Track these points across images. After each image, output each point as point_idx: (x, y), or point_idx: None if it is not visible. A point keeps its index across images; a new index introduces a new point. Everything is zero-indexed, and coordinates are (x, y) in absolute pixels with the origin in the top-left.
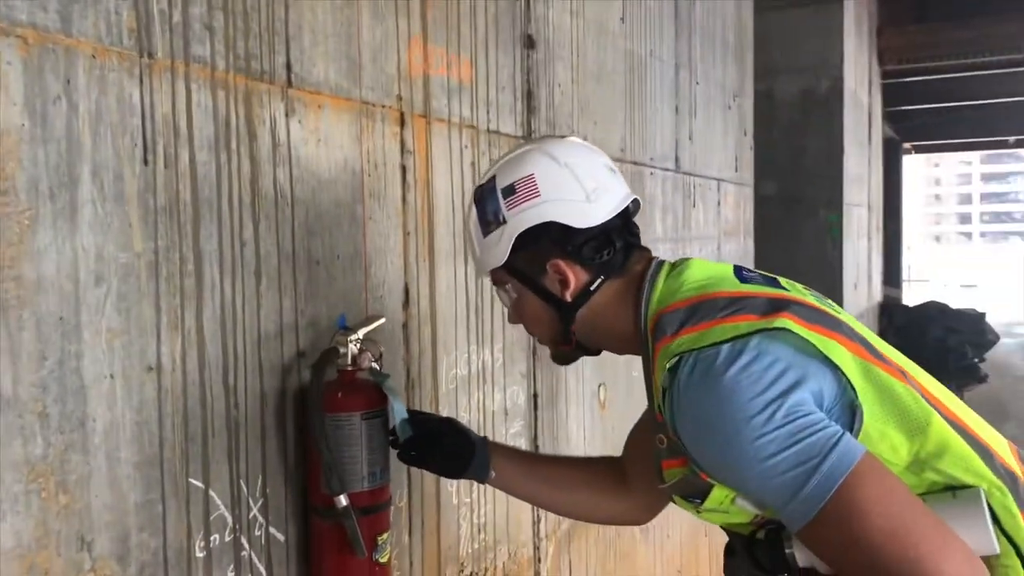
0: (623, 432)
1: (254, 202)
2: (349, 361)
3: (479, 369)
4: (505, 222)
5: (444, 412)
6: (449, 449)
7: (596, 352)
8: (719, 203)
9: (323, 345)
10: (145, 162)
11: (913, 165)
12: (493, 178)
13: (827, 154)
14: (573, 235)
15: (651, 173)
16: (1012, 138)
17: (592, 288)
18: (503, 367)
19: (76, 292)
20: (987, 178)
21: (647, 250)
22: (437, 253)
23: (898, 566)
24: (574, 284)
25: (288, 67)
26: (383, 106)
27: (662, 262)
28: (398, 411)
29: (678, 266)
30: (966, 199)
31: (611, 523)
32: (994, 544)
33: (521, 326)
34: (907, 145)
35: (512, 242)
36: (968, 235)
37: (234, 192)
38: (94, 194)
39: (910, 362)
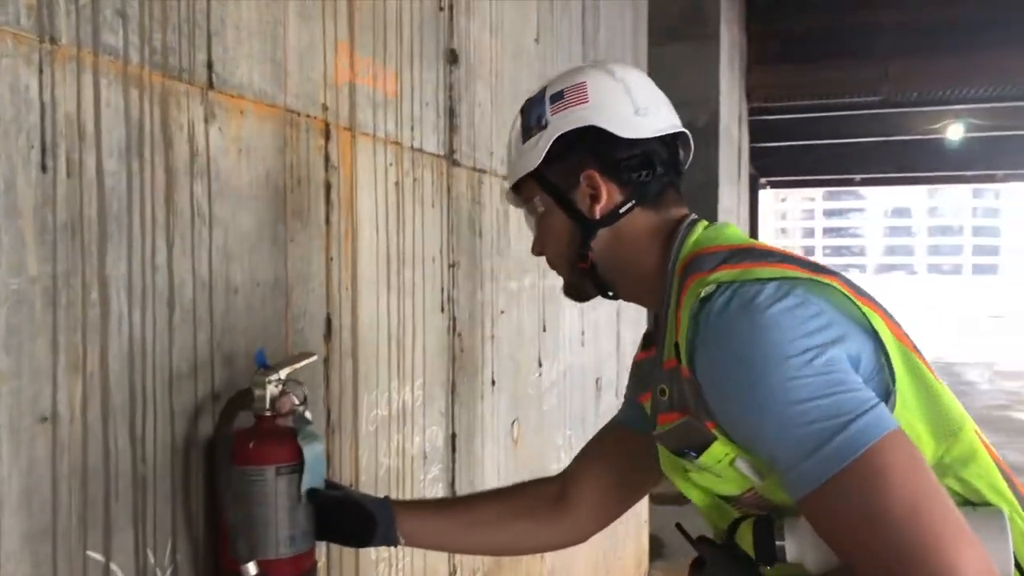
0: (535, 470)
1: (168, 220)
2: (267, 405)
3: (399, 409)
4: (546, 126)
5: (364, 457)
6: (348, 525)
7: (608, 290)
8: None
9: (240, 385)
10: (44, 169)
11: (763, 198)
12: (544, 89)
13: (704, 186)
14: (614, 146)
15: None
16: (859, 176)
17: (621, 211)
18: (423, 405)
19: None
20: (828, 213)
21: (686, 204)
22: (360, 280)
23: (911, 551)
24: (605, 200)
25: (209, 66)
26: (308, 116)
27: (700, 218)
28: (310, 477)
29: (717, 225)
30: (810, 232)
31: (550, 549)
32: (1011, 568)
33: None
34: (763, 180)
35: (549, 144)
36: None
37: (147, 208)
38: None
39: None
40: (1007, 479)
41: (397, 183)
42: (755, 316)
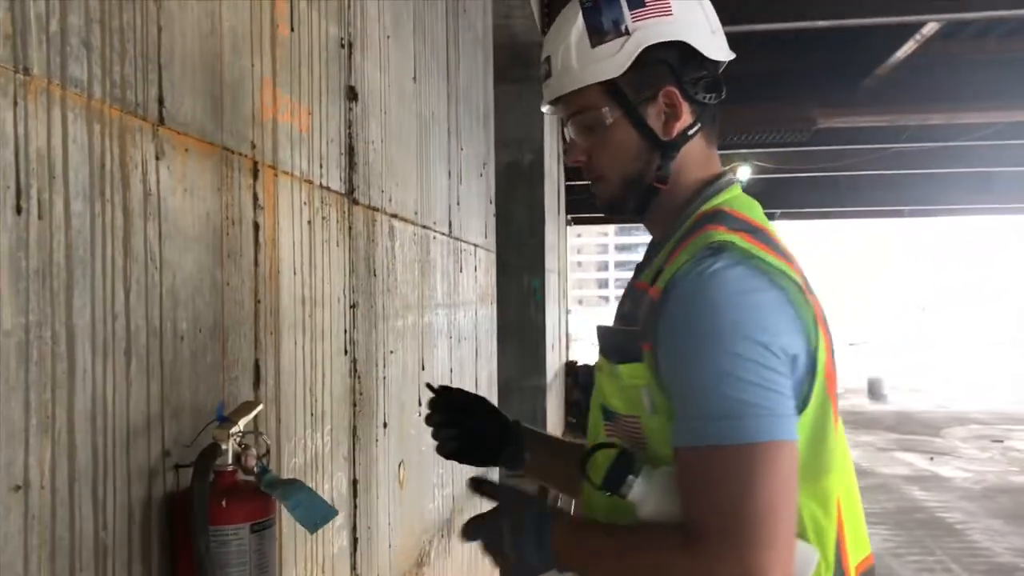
0: (416, 510)
1: (126, 264)
2: (230, 460)
3: (312, 455)
4: (629, 33)
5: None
6: (481, 431)
7: (644, 211)
8: (476, 268)
9: (185, 440)
10: (18, 210)
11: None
12: None
13: (530, 223)
14: (698, 65)
15: (434, 237)
16: None
17: (690, 133)
18: (331, 451)
19: None
20: (620, 248)
21: None
22: (282, 323)
23: (742, 533)
24: (682, 120)
25: (160, 101)
26: (240, 154)
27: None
28: (308, 513)
29: (749, 198)
30: (603, 266)
31: None
32: None
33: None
34: (568, 216)
35: (636, 55)
36: (606, 299)
37: (107, 252)
38: None
39: None
40: (840, 548)
41: (310, 222)
42: (745, 291)
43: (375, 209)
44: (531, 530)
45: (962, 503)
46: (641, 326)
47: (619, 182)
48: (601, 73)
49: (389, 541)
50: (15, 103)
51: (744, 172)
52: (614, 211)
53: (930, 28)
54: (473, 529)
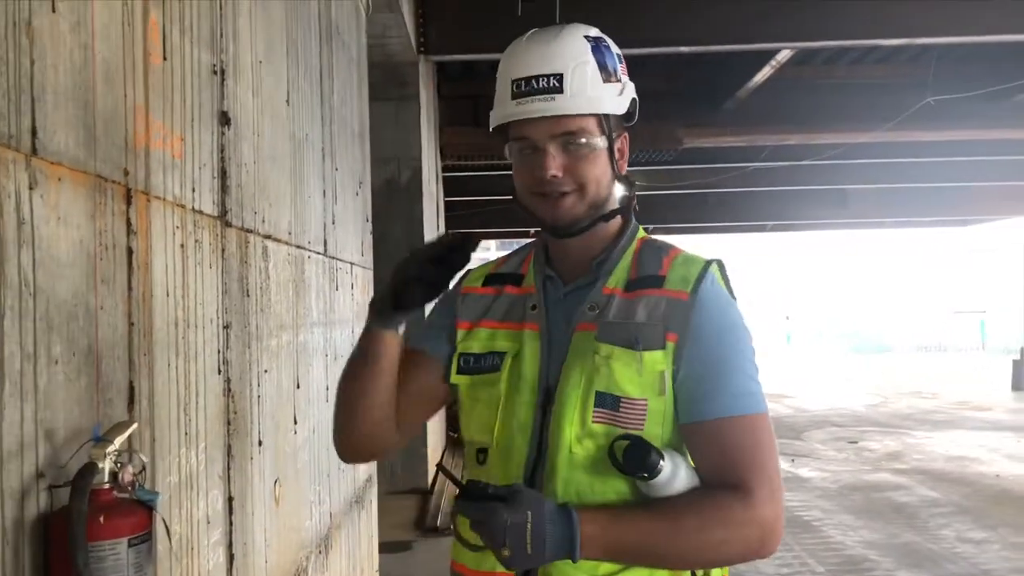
0: (292, 527)
1: (0, 292)
2: (107, 478)
3: (187, 474)
4: (622, 83)
5: (158, 525)
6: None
7: (585, 231)
8: (352, 286)
9: (60, 461)
10: None
11: None
12: (603, 38)
13: (408, 239)
14: (631, 117)
15: (309, 257)
16: (532, 229)
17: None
18: (205, 469)
19: None
20: None
21: None
22: (155, 345)
23: (765, 471)
24: (626, 158)
25: (33, 132)
26: (113, 181)
27: None
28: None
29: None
30: None
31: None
32: None
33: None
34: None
35: (628, 103)
36: None
37: None
38: None
39: None
40: None
41: (183, 245)
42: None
43: (248, 231)
44: (556, 523)
45: (819, 502)
46: (664, 321)
47: (589, 202)
48: (608, 107)
49: (265, 557)
50: None
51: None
52: (568, 226)
53: (784, 55)
54: (474, 522)
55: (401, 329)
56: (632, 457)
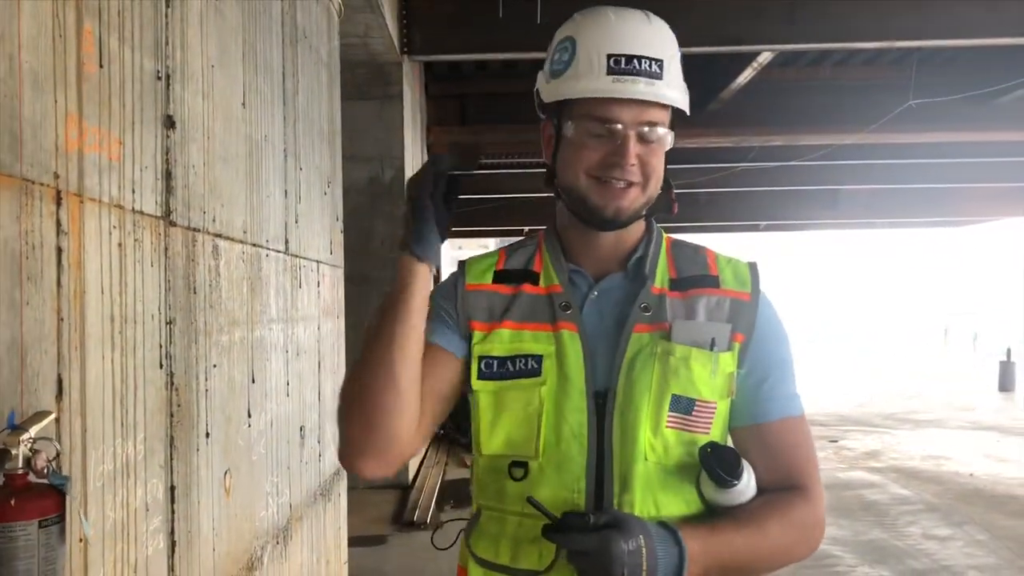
0: (246, 517)
1: None
2: (20, 464)
3: (123, 463)
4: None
5: (92, 511)
6: None
7: (631, 223)
8: (319, 284)
9: None
10: None
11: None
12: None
13: (392, 237)
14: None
15: (267, 255)
16: (526, 228)
17: None
18: (144, 459)
19: None
20: None
21: None
22: (88, 339)
23: (813, 464)
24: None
25: None
26: (42, 184)
27: None
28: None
29: None
30: None
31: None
32: None
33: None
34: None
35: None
36: None
37: None
38: None
39: None
40: None
41: (120, 244)
42: None
43: (195, 230)
44: (665, 544)
45: None
46: (731, 321)
47: (648, 195)
48: (685, 103)
49: (213, 545)
50: None
51: None
52: (626, 219)
53: (765, 57)
54: (575, 554)
55: (432, 267)
56: (728, 464)
